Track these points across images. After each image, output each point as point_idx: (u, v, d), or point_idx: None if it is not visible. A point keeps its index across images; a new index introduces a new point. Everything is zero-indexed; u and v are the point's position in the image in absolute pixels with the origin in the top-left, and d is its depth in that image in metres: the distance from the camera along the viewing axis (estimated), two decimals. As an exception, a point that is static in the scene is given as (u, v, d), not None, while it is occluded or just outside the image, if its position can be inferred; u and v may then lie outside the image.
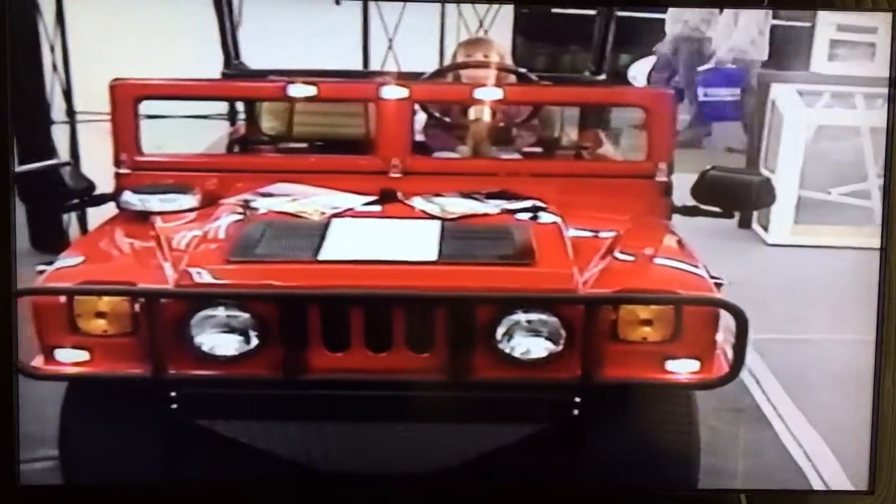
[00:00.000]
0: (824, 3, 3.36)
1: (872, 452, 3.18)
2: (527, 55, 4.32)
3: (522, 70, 3.74)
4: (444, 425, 2.87)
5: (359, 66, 4.21)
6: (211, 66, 4.09)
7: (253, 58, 4.17)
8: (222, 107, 4.11)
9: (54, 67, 3.91)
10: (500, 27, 4.34)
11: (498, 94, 3.52)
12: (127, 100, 3.36)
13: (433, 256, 2.85)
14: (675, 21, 4.26)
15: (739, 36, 4.18)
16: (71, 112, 3.97)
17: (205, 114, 4.00)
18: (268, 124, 3.86)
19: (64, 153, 3.91)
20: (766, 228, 4.28)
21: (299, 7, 4.07)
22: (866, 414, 3.18)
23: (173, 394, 2.80)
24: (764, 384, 3.70)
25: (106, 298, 2.76)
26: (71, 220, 3.68)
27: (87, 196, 3.38)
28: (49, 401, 2.93)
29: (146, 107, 3.43)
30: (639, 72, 4.31)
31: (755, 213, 4.22)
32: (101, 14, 3.88)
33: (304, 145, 3.78)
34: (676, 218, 3.47)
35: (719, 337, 2.83)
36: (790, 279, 3.99)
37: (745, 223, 4.23)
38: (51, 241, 3.60)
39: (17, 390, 2.95)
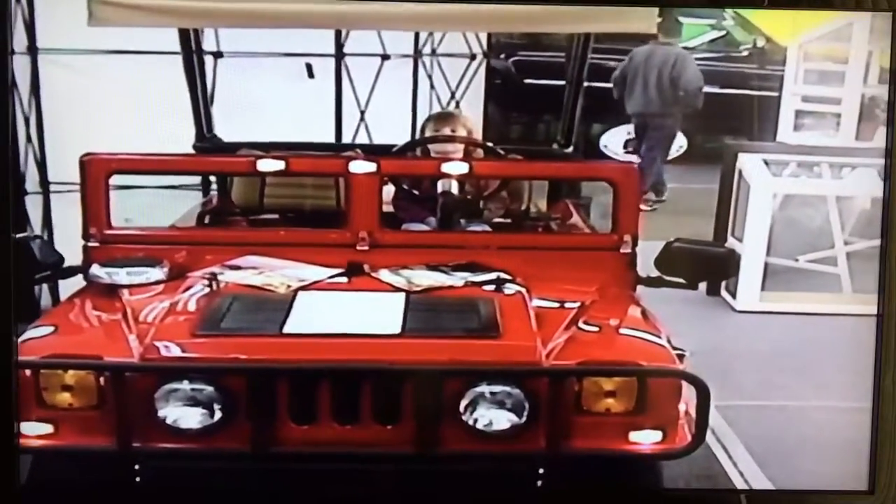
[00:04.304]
0: (824, 3, 3.38)
1: (872, 452, 3.20)
2: (500, 125, 4.37)
3: (489, 144, 3.77)
4: (411, 498, 2.88)
5: (332, 138, 4.24)
6: (185, 138, 4.12)
7: (226, 129, 4.20)
8: (195, 178, 4.13)
9: (28, 139, 3.93)
10: (473, 98, 4.39)
11: (464, 168, 3.51)
12: (97, 175, 3.35)
13: (397, 329, 2.88)
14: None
15: None
16: (45, 183, 3.98)
17: (176, 185, 4.03)
18: (239, 196, 3.89)
19: (37, 223, 3.93)
20: (734, 295, 4.31)
21: (273, 80, 4.12)
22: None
23: (137, 467, 2.80)
24: (732, 451, 3.70)
25: (72, 372, 2.77)
26: (42, 288, 3.68)
27: (57, 269, 3.38)
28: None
29: (116, 178, 3.42)
30: (610, 141, 4.36)
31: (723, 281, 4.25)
32: (76, 86, 3.92)
33: (275, 216, 3.80)
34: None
35: (682, 407, 2.85)
36: (758, 346, 4.02)
37: (713, 290, 4.26)
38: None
39: (17, 390, 2.91)
